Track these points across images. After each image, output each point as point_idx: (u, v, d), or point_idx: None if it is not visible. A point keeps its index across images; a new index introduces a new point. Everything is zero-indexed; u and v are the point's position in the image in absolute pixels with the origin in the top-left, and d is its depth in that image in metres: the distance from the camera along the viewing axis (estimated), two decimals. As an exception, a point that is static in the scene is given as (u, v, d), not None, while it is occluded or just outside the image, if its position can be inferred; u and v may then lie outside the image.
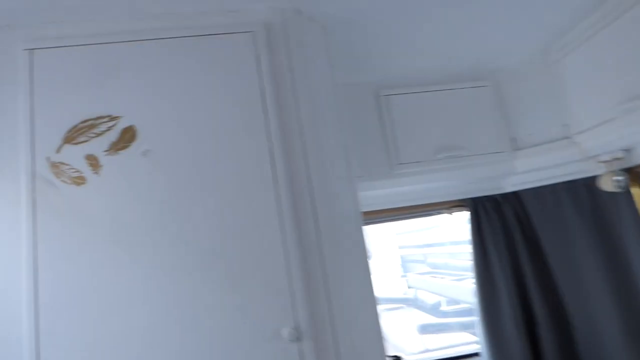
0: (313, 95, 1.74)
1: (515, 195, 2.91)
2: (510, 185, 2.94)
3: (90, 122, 1.55)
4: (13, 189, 1.52)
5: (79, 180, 1.52)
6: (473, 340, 3.35)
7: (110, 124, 1.55)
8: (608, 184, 2.27)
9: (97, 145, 1.54)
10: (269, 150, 1.59)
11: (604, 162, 2.31)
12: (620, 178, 2.22)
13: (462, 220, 3.20)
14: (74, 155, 1.53)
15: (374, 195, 2.65)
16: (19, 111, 1.55)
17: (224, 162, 1.56)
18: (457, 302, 6.80)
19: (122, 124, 1.55)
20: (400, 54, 2.47)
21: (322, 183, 1.65)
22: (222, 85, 1.62)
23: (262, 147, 1.59)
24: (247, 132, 1.59)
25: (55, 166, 1.52)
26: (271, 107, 1.62)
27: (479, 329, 2.73)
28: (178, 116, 1.58)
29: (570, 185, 2.58)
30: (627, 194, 2.26)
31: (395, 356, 2.67)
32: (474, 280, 2.83)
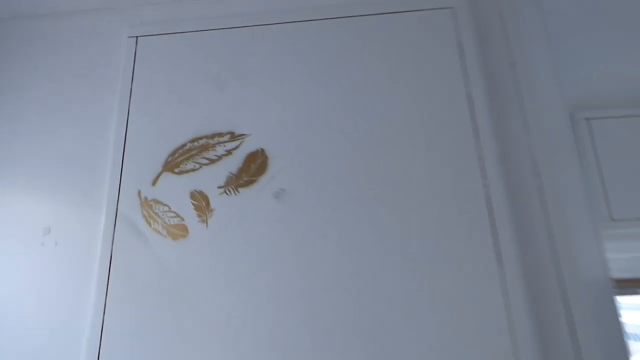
0: (541, 105, 1.05)
1: None
2: None
3: (202, 142, 1.01)
4: (88, 233, 1.03)
5: (178, 231, 0.97)
6: None
7: (231, 145, 1.00)
8: None
9: (209, 177, 0.99)
10: (485, 192, 0.91)
11: None
12: None
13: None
14: (176, 191, 1.00)
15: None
16: (111, 121, 1.08)
17: (408, 212, 0.91)
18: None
19: (247, 147, 1.00)
20: (619, 55, 1.68)
21: (563, 237, 0.94)
22: (407, 89, 1.00)
23: (472, 185, 0.91)
24: (447, 163, 0.93)
25: (148, 205, 1.01)
26: (483, 122, 0.96)
27: None
28: (334, 137, 0.98)
29: None
30: None
31: None
32: None
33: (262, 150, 0.98)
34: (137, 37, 1.11)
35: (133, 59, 1.09)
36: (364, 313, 0.87)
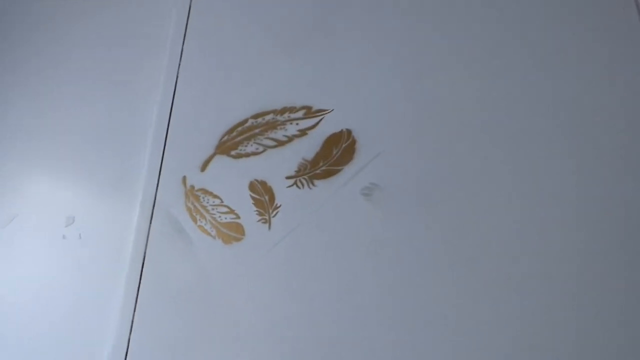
0: None
1: None
2: None
3: (268, 118, 0.78)
4: (118, 227, 0.82)
5: (231, 232, 0.74)
6: None
7: (306, 123, 0.76)
8: None
9: (276, 164, 0.76)
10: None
11: None
12: None
13: None
14: (231, 180, 0.77)
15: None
16: (155, 90, 0.87)
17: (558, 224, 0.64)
18: None
19: (328, 126, 0.75)
20: None
21: None
22: (566, 54, 0.73)
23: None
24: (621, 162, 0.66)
25: (194, 196, 0.78)
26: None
27: None
28: (453, 117, 0.72)
29: None
30: None
31: None
32: None
33: (349, 131, 0.74)
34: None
35: (187, 12, 0.88)
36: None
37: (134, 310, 0.76)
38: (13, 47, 1.02)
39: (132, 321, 0.75)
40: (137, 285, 0.77)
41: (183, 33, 0.87)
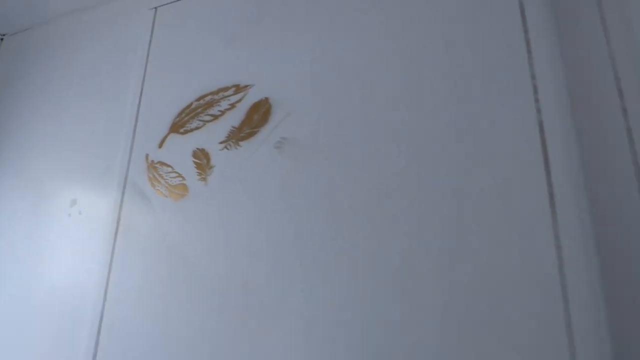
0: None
1: None
2: None
3: (208, 99, 0.95)
4: (105, 200, 1.01)
5: (179, 192, 0.90)
6: None
7: (235, 98, 0.92)
8: None
9: (212, 134, 0.92)
10: (539, 127, 0.69)
11: None
12: None
13: None
14: (179, 151, 0.94)
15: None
16: (127, 95, 1.08)
17: (432, 162, 0.72)
18: None
19: (252, 98, 0.90)
20: None
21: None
22: (442, 31, 0.83)
23: (528, 125, 0.70)
24: (499, 96, 0.73)
25: (154, 168, 0.96)
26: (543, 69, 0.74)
27: None
28: (347, 80, 0.84)
29: None
30: None
31: None
32: None
33: (267, 98, 0.88)
34: (156, 7, 1.12)
35: (152, 30, 1.09)
36: (379, 268, 0.69)
37: (111, 261, 0.93)
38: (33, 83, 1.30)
39: (110, 268, 0.92)
40: (113, 242, 0.95)
41: (147, 50, 1.08)
